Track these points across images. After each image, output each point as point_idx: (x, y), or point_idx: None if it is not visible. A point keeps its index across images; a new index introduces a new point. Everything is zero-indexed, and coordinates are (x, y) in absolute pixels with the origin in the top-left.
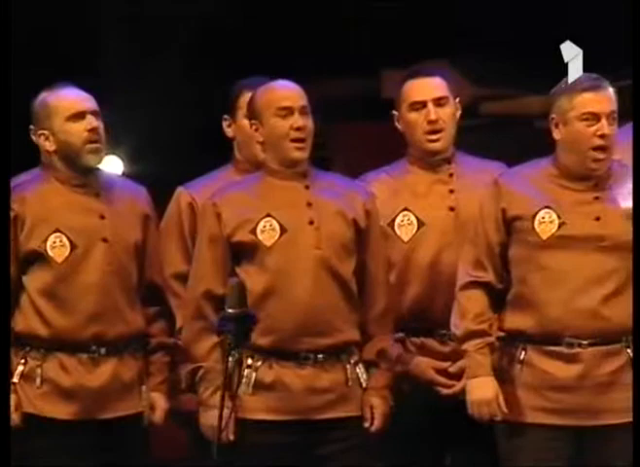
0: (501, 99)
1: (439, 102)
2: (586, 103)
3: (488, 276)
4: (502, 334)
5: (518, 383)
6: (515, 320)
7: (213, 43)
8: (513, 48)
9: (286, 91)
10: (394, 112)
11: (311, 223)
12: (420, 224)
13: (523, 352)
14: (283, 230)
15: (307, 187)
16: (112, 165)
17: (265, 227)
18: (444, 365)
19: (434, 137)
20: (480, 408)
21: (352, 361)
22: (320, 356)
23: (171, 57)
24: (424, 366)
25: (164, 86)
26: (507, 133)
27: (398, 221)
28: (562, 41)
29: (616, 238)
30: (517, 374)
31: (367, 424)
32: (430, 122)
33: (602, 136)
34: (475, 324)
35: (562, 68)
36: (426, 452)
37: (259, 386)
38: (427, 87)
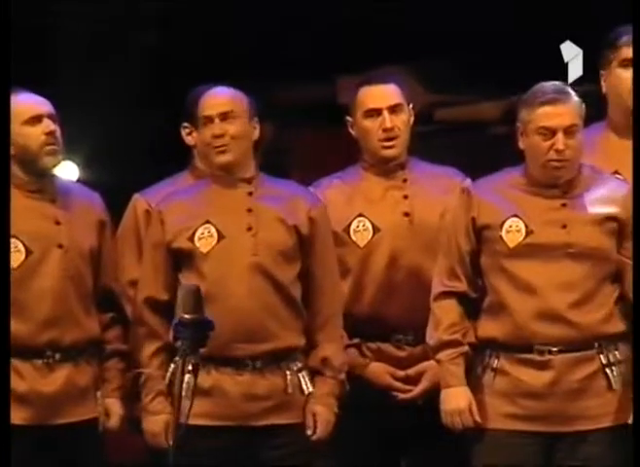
0: (455, 106)
1: (394, 110)
2: (542, 117)
3: (462, 286)
4: (475, 342)
5: (491, 391)
6: (488, 328)
7: (170, 48)
8: (467, 54)
9: (215, 98)
10: (348, 118)
11: (249, 229)
12: (376, 229)
13: (496, 360)
14: (221, 236)
15: (251, 193)
16: (67, 171)
17: (202, 233)
18: (400, 373)
19: (389, 144)
20: (454, 417)
21: (294, 368)
22: (258, 362)
23: (127, 63)
24: (380, 371)
25: (120, 91)
26: (461, 140)
27: (353, 227)
28: (517, 47)
29: (583, 245)
30: (490, 381)
31: (309, 432)
32: (385, 129)
33: (557, 151)
34: (448, 334)
35: (517, 74)
36: (380, 456)
37: (197, 392)
38: (382, 94)
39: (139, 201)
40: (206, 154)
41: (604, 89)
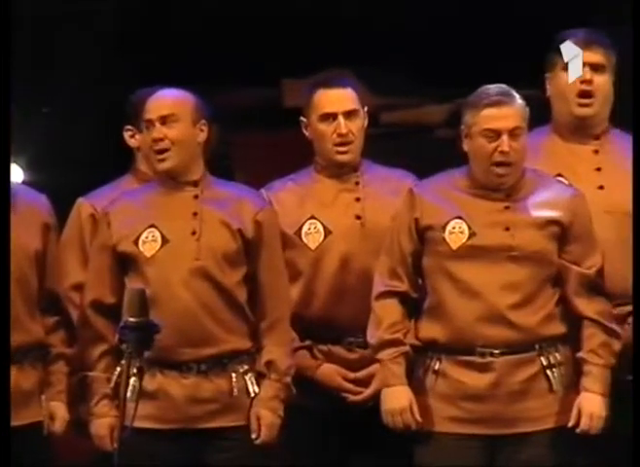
0: (401, 109)
1: (349, 115)
2: (487, 119)
3: (403, 286)
4: (417, 343)
5: (433, 393)
6: (429, 330)
7: (115, 51)
8: (413, 57)
9: (156, 102)
10: (302, 119)
11: (194, 233)
12: (327, 232)
13: (438, 362)
14: (165, 240)
15: (196, 196)
16: (12, 174)
17: (147, 238)
18: (351, 375)
19: (343, 149)
20: (395, 417)
21: (240, 370)
22: (203, 366)
23: (73, 64)
24: (331, 373)
25: (66, 94)
26: (406, 143)
27: (305, 229)
28: (464, 51)
29: (525, 248)
30: (432, 383)
31: (253, 435)
32: (340, 135)
33: (502, 153)
34: (389, 334)
35: (463, 77)
36: (328, 457)
37: (142, 395)
38: (338, 98)
39: (83, 205)
40: (149, 158)
41: (548, 93)
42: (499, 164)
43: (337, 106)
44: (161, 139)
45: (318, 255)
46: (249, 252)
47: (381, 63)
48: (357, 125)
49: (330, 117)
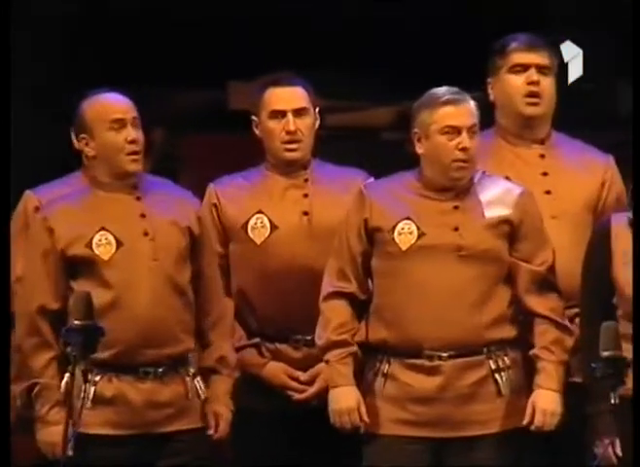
0: (347, 111)
1: (298, 113)
2: (446, 117)
3: (352, 287)
4: (366, 345)
5: (381, 395)
6: (378, 332)
7: (60, 54)
8: (358, 59)
9: (117, 104)
10: (253, 118)
11: (146, 234)
12: (273, 227)
13: (387, 365)
14: (119, 243)
15: (139, 198)
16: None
17: (100, 240)
18: (297, 374)
19: (291, 147)
20: (342, 417)
21: (191, 372)
22: (160, 369)
23: (22, 65)
24: (277, 371)
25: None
26: (352, 145)
27: (251, 223)
28: (409, 53)
29: (474, 248)
30: (381, 386)
31: (211, 432)
32: (288, 132)
33: (463, 149)
34: (336, 334)
35: (408, 79)
36: (280, 459)
37: (98, 401)
38: (288, 96)
39: (30, 198)
40: (109, 159)
41: (492, 97)
42: (459, 162)
43: (287, 104)
44: (134, 141)
45: (264, 250)
46: (194, 249)
47: (327, 65)
48: (306, 124)
49: (279, 114)
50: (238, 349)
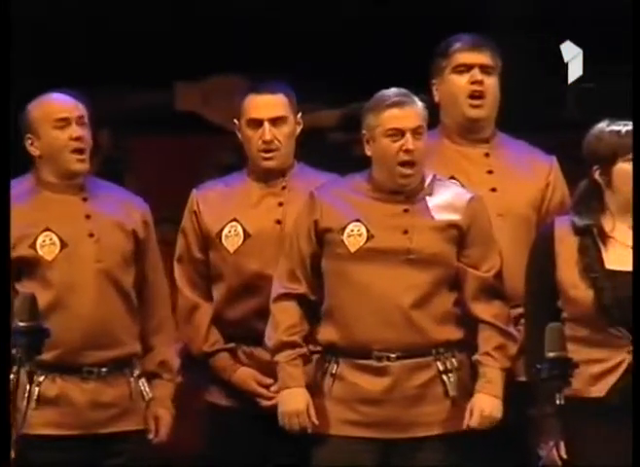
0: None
1: (275, 122)
2: (390, 119)
3: (302, 288)
4: (316, 347)
5: (330, 396)
6: (327, 333)
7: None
8: (306, 61)
9: (62, 103)
10: (235, 121)
11: (91, 235)
12: (246, 235)
13: (335, 365)
14: (63, 244)
15: (85, 199)
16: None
17: (44, 241)
18: (267, 381)
19: (267, 156)
20: (291, 419)
21: (135, 374)
22: (104, 370)
23: None
24: (246, 376)
25: None
26: (300, 147)
27: (225, 232)
28: (357, 55)
29: (423, 252)
30: (329, 387)
31: (151, 436)
32: (264, 141)
33: (407, 151)
34: (286, 336)
35: (355, 81)
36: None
37: (42, 401)
38: (266, 105)
39: None
40: (54, 158)
41: (437, 97)
42: (404, 164)
43: (264, 112)
44: (79, 138)
45: (237, 258)
46: (138, 252)
47: (274, 67)
48: (284, 132)
49: (256, 123)
50: (214, 353)
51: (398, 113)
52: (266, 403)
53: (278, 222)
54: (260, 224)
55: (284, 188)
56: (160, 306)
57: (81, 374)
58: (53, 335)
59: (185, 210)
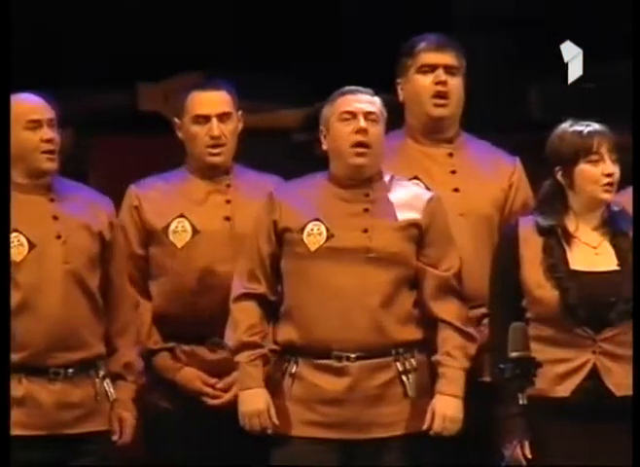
0: (258, 112)
1: (222, 118)
2: (343, 103)
3: (261, 288)
4: (275, 347)
5: (290, 396)
6: (287, 333)
7: None
8: (269, 61)
9: (33, 105)
10: (175, 120)
11: (59, 237)
12: (195, 231)
13: (295, 366)
14: (31, 245)
15: (52, 200)
16: None
17: (13, 242)
18: (212, 380)
19: (215, 151)
20: (252, 419)
21: (100, 375)
22: (70, 371)
23: None
24: (192, 376)
25: None
26: (264, 146)
27: (172, 227)
28: (320, 55)
29: (382, 250)
30: (289, 387)
31: (115, 437)
32: (212, 137)
33: (360, 131)
34: (247, 336)
35: (319, 81)
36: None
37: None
38: (212, 101)
39: None
40: (24, 159)
41: (401, 97)
42: (359, 145)
43: (211, 108)
44: (50, 140)
45: (184, 254)
46: (105, 255)
47: (238, 66)
48: (230, 128)
49: (203, 119)
50: (153, 353)
51: (351, 98)
52: (212, 402)
53: (227, 218)
54: (208, 220)
55: (229, 186)
56: (124, 308)
57: (47, 375)
58: (20, 335)
59: (122, 206)
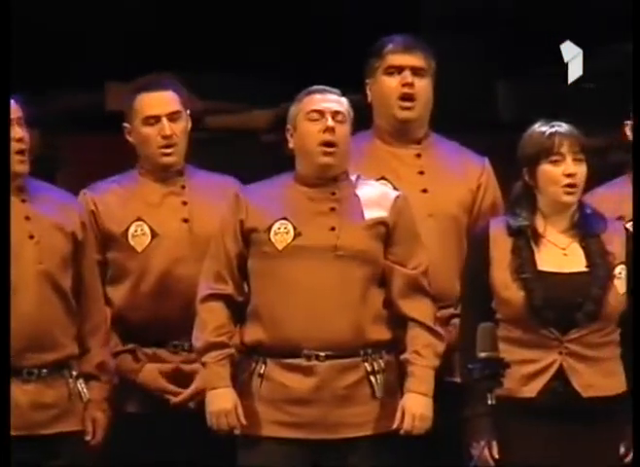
0: (227, 113)
1: (172, 117)
2: (308, 103)
3: (228, 289)
4: (242, 347)
5: (258, 396)
6: (255, 333)
7: None
8: (239, 61)
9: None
10: (125, 125)
11: (31, 237)
12: (154, 234)
13: (263, 365)
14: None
15: (24, 201)
16: None
17: None
18: (169, 367)
19: (168, 151)
20: (219, 419)
21: (73, 375)
22: (44, 371)
23: None
24: (154, 374)
25: None
26: (233, 147)
27: (131, 231)
28: (289, 55)
29: (350, 248)
30: (257, 387)
31: (89, 437)
32: (164, 137)
33: (327, 130)
34: (214, 336)
35: (287, 81)
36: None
37: None
38: (161, 101)
39: None
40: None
41: (369, 98)
42: (326, 144)
43: (160, 109)
44: (20, 140)
45: (145, 257)
46: (77, 255)
47: (206, 67)
48: (180, 128)
49: (153, 119)
50: (114, 355)
51: (319, 97)
52: (174, 399)
53: (185, 220)
54: (166, 223)
55: (184, 187)
56: (96, 309)
57: (21, 375)
58: None
59: None
